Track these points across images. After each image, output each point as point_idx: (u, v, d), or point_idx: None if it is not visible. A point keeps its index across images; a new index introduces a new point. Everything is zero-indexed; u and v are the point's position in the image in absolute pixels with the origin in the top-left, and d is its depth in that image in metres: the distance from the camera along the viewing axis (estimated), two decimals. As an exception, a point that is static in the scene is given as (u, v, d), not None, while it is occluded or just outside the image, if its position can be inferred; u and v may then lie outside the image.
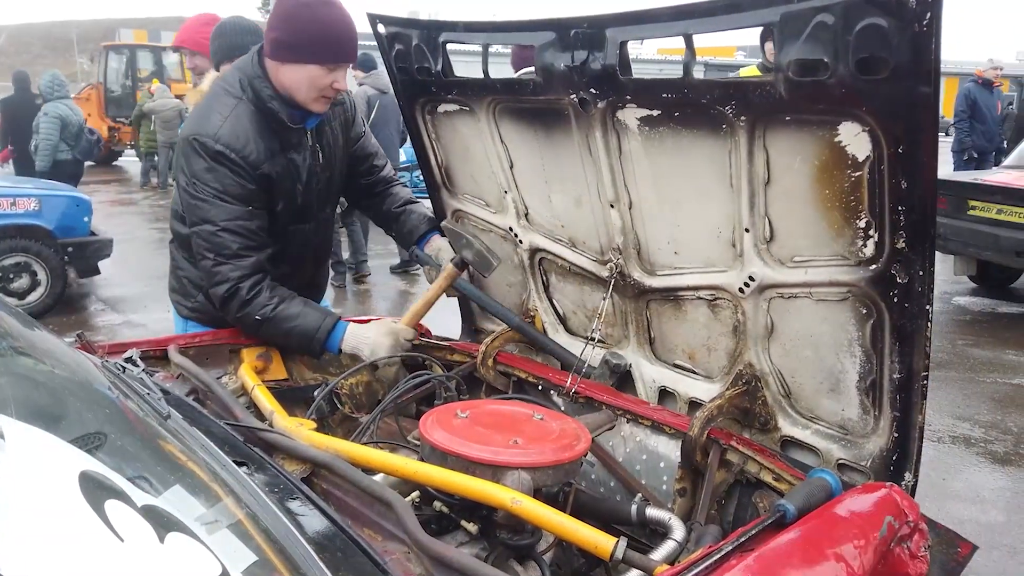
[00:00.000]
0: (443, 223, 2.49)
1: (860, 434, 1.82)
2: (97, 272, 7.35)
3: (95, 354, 2.03)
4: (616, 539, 1.41)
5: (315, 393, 2.28)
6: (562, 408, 2.24)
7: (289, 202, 2.36)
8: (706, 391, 2.11)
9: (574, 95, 1.95)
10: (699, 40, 1.68)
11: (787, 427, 1.96)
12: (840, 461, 1.85)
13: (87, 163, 10.58)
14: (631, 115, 1.89)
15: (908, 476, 1.71)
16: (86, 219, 7.13)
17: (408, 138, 2.71)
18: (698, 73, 1.74)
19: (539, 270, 2.49)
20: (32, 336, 1.62)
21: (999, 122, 10.59)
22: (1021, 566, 3.49)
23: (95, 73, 19.03)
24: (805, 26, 1.46)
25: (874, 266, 1.62)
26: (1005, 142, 11.46)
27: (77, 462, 1.06)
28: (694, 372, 2.18)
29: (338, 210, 3.42)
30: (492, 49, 2.21)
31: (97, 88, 18.35)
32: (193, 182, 2.24)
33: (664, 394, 2.27)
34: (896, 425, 1.71)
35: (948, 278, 8.05)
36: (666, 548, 1.64)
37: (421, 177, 2.73)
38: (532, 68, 3.74)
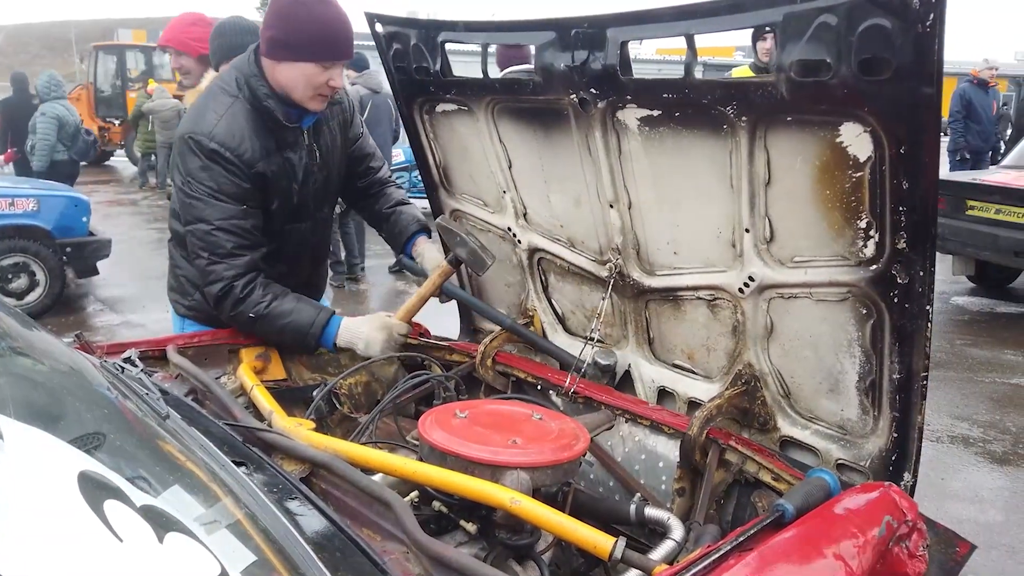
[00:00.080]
0: (438, 220, 2.49)
1: (859, 434, 1.82)
2: (96, 272, 7.34)
3: (94, 354, 2.02)
4: (615, 539, 1.41)
5: (314, 393, 2.27)
6: (561, 408, 2.24)
7: (284, 201, 2.36)
8: (705, 391, 2.11)
9: (574, 95, 1.94)
10: (698, 40, 1.68)
11: (786, 427, 1.96)
12: (839, 461, 1.85)
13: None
14: (631, 115, 1.89)
15: (907, 476, 1.71)
16: (85, 219, 7.13)
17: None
18: (697, 73, 1.74)
19: (538, 270, 2.49)
20: (31, 336, 1.62)
21: (994, 122, 10.59)
22: (1020, 565, 3.50)
23: (86, 73, 18.95)
24: (808, 26, 1.46)
25: (874, 266, 1.62)
26: (1001, 142, 11.46)
27: (76, 462, 1.06)
28: (693, 372, 2.18)
29: (336, 210, 3.41)
30: (492, 49, 2.21)
31: (87, 88, 18.29)
32: (188, 180, 2.25)
33: (663, 394, 2.27)
34: (895, 425, 1.71)
35: (946, 278, 8.06)
36: (665, 548, 1.64)
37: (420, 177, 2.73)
38: (519, 67, 3.72)
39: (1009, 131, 13.56)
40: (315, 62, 2.20)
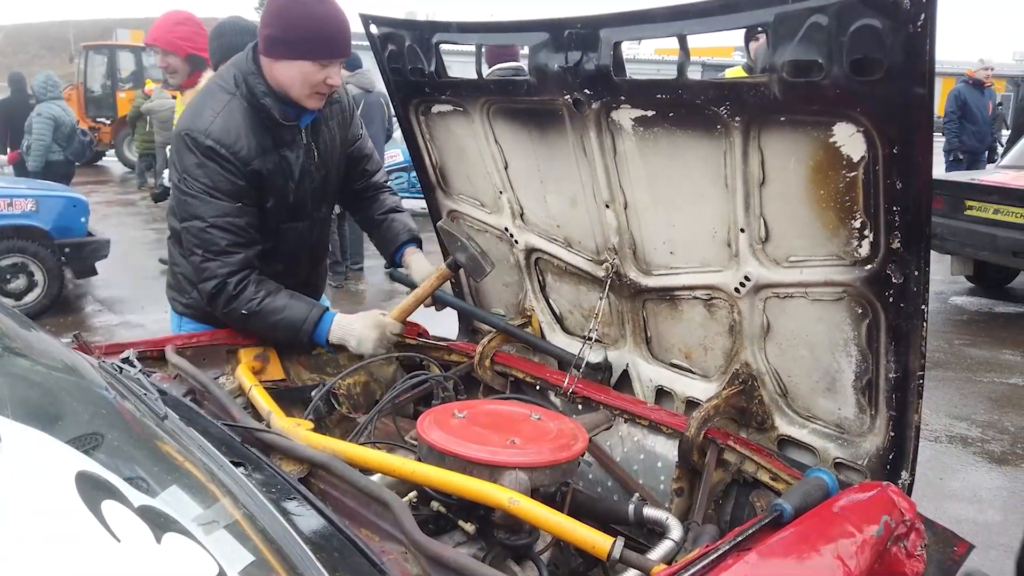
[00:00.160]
0: (439, 224, 2.49)
1: (856, 433, 1.82)
2: (94, 273, 7.34)
3: (92, 355, 2.02)
4: (613, 539, 1.42)
5: (312, 393, 2.27)
6: (559, 408, 2.24)
7: (280, 200, 2.36)
8: (703, 390, 2.12)
9: (568, 96, 1.95)
10: (697, 40, 1.68)
11: (784, 426, 1.96)
12: (837, 460, 1.86)
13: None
14: (625, 116, 1.89)
15: (904, 475, 1.72)
16: (83, 220, 7.12)
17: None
18: (695, 73, 1.74)
19: (535, 270, 2.49)
20: (29, 337, 1.62)
21: (990, 122, 10.59)
22: (1018, 565, 3.49)
23: (76, 74, 18.90)
24: (799, 27, 1.46)
25: (869, 266, 1.63)
26: (997, 142, 11.46)
27: (74, 462, 1.06)
28: (691, 371, 2.18)
29: (336, 210, 3.40)
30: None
31: (78, 88, 18.25)
32: (184, 177, 2.25)
33: (661, 393, 2.28)
34: (892, 424, 1.72)
35: (945, 278, 8.06)
36: (663, 548, 1.65)
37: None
38: (506, 64, 3.72)
39: (1005, 131, 13.55)
40: (312, 60, 2.20)
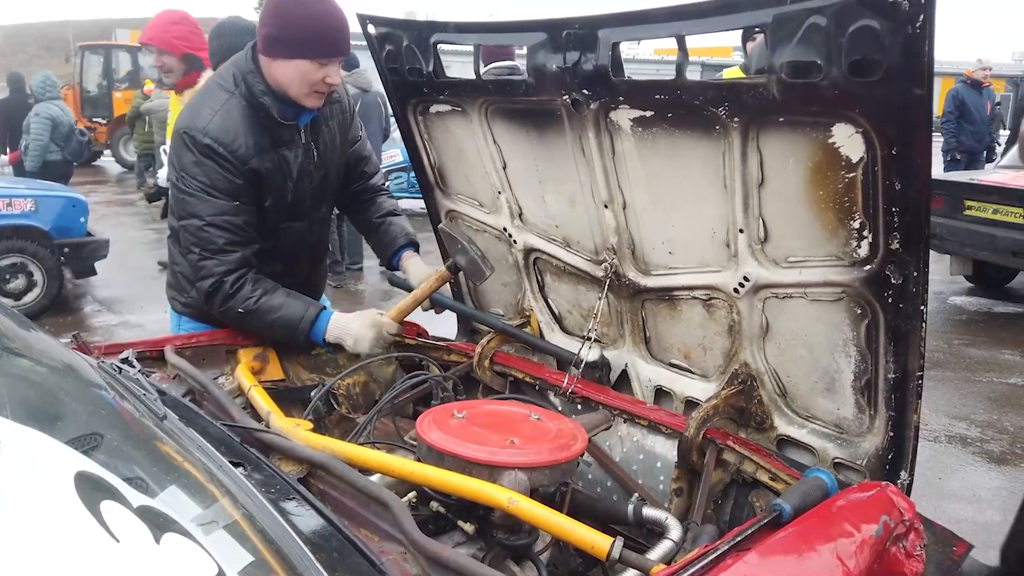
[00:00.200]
0: (440, 226, 2.50)
1: (856, 433, 1.82)
2: (93, 273, 7.34)
3: (91, 355, 2.02)
4: (613, 539, 1.42)
5: (312, 393, 2.27)
6: (559, 408, 2.25)
7: (279, 199, 2.36)
8: (702, 390, 2.12)
9: (566, 96, 1.95)
10: (696, 40, 1.68)
11: (783, 426, 1.96)
12: (836, 460, 1.86)
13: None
14: (624, 116, 1.89)
15: (904, 475, 1.72)
16: (82, 220, 7.12)
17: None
18: (695, 73, 1.74)
19: (534, 270, 2.49)
20: (28, 337, 1.62)
21: (988, 122, 10.60)
22: (1017, 565, 3.50)
23: (73, 74, 18.89)
24: (798, 28, 1.46)
25: (868, 267, 1.63)
26: (995, 142, 11.46)
27: (73, 463, 1.06)
28: (690, 371, 2.18)
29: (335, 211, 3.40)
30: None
31: (74, 88, 18.24)
32: (182, 176, 2.25)
33: (660, 393, 2.28)
34: (891, 424, 1.72)
35: (944, 278, 8.07)
36: (662, 548, 1.65)
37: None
38: (502, 63, 3.72)
39: (1003, 131, 13.56)
40: (311, 59, 2.20)
